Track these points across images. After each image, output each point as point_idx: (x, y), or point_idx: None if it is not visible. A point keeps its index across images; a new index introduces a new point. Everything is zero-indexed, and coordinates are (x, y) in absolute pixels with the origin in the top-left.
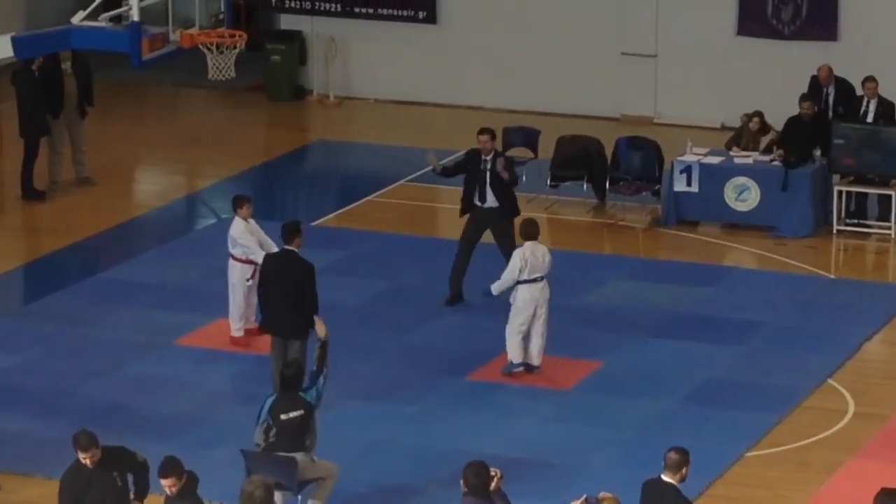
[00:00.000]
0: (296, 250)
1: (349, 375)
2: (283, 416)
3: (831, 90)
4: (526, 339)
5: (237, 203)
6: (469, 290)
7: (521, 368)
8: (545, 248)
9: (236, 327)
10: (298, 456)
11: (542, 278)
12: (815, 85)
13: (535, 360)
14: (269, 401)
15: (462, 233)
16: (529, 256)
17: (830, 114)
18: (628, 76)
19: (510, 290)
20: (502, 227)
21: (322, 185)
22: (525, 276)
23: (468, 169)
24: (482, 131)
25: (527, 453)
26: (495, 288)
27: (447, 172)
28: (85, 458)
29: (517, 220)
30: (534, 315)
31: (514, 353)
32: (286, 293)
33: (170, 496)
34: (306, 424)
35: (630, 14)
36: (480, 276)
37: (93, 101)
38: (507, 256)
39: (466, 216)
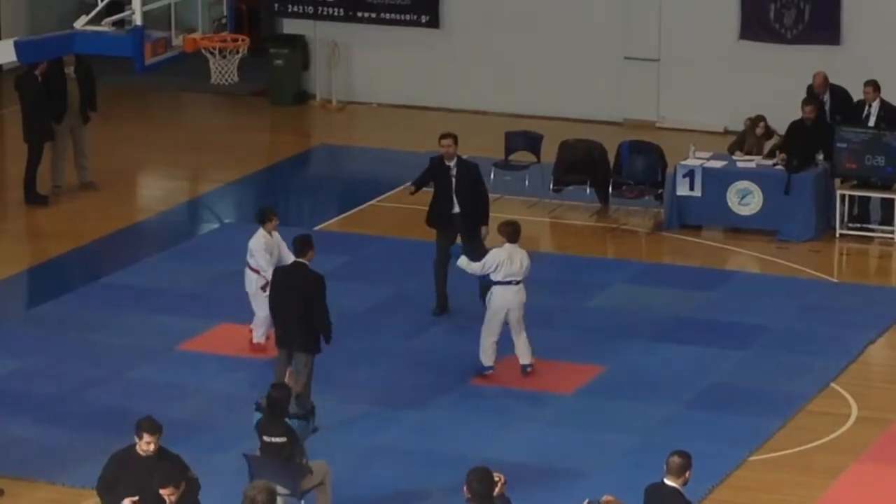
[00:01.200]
0: (307, 263)
1: (351, 381)
2: (265, 438)
3: (827, 98)
4: (507, 342)
5: (265, 216)
6: (469, 294)
7: (490, 371)
8: (524, 253)
9: (259, 333)
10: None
11: (517, 282)
12: (811, 93)
13: (526, 358)
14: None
15: (437, 243)
16: (506, 259)
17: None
18: (631, 80)
19: (486, 290)
20: (471, 233)
21: (325, 190)
22: (500, 278)
23: (435, 176)
24: (444, 136)
25: (529, 458)
26: (461, 262)
27: (418, 186)
28: (146, 444)
29: (493, 225)
30: (507, 318)
31: (484, 356)
32: (294, 305)
33: None
34: (291, 452)
35: (633, 18)
36: (476, 282)
37: (96, 106)
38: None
39: (437, 228)
